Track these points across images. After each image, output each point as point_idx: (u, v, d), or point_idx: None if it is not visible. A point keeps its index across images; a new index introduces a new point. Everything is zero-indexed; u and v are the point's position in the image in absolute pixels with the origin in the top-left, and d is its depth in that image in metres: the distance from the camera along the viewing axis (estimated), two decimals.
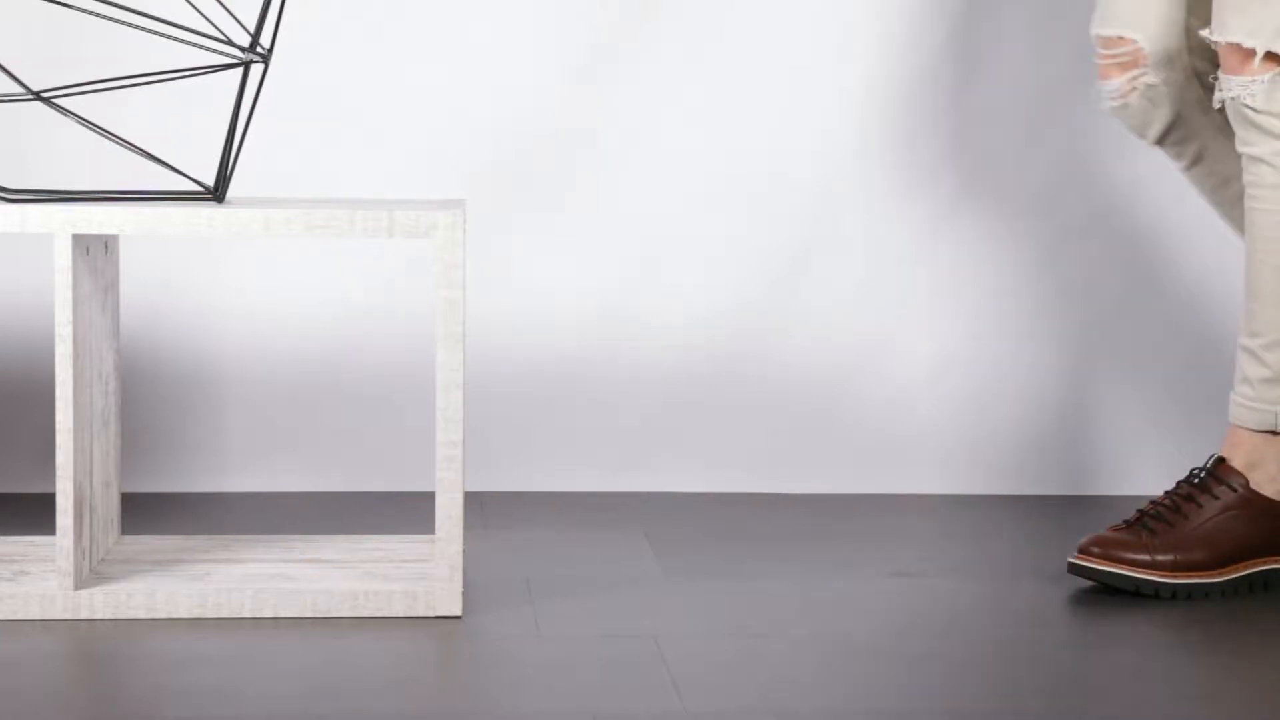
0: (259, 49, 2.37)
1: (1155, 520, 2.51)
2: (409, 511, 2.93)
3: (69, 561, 2.32)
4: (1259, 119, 2.48)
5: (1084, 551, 2.49)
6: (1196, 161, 2.65)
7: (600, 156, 3.13)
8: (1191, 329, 3.20)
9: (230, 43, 2.36)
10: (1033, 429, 3.17)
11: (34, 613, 2.32)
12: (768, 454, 2.96)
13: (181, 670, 2.13)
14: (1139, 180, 3.20)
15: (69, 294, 2.30)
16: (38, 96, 2.37)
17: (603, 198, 3.13)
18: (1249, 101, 2.47)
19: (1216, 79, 2.52)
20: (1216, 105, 2.52)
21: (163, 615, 2.33)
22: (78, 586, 2.34)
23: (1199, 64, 2.59)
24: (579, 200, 3.14)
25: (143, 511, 2.88)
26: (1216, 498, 2.52)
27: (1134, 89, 2.59)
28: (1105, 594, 2.49)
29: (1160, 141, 2.65)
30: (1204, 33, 2.50)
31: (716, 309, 3.02)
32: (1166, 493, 2.55)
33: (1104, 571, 2.48)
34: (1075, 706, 2.09)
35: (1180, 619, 2.41)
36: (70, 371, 2.30)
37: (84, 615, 2.32)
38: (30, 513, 2.87)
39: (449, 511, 2.35)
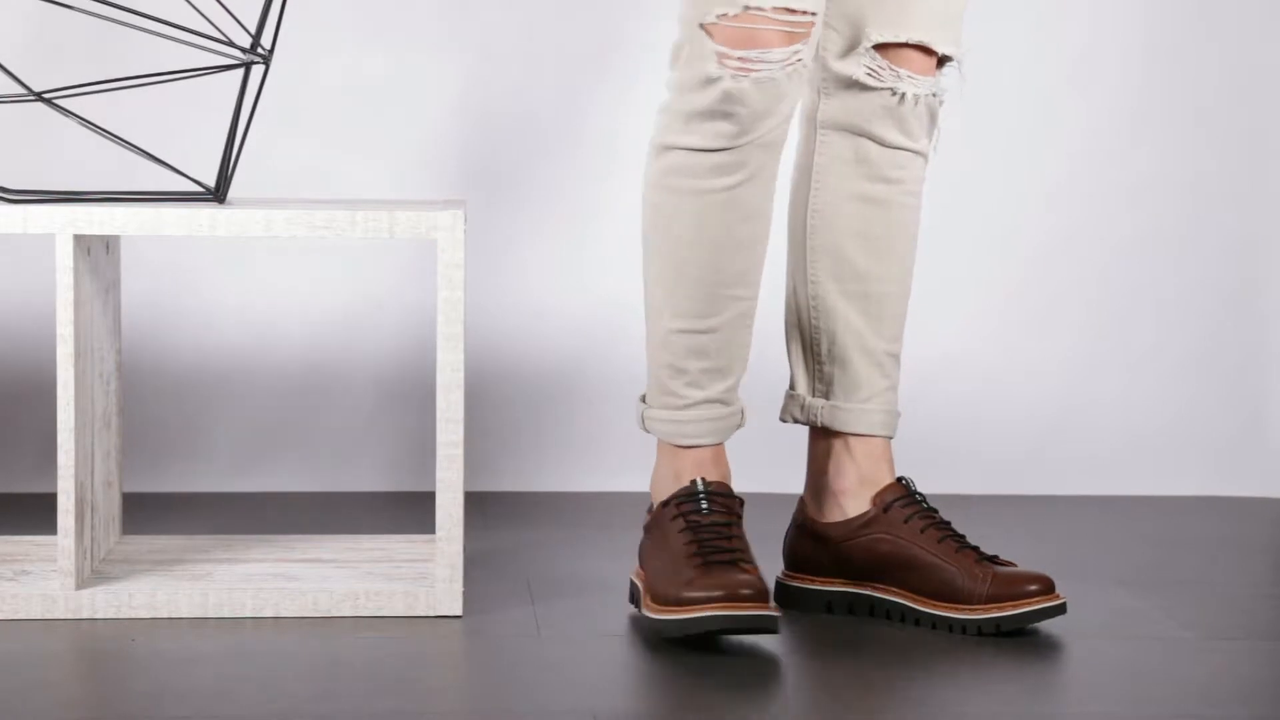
0: (260, 50, 2.37)
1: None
2: (409, 511, 2.93)
3: (70, 561, 2.32)
4: (941, 111, 2.40)
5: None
6: (753, 178, 2.29)
7: (600, 156, 3.13)
8: (1191, 329, 3.21)
9: (231, 43, 2.36)
10: (1033, 429, 3.17)
11: (35, 612, 2.32)
12: (767, 454, 2.95)
13: (182, 670, 2.13)
14: (1140, 180, 3.20)
15: (70, 294, 2.30)
16: (38, 97, 2.37)
17: (602, 198, 3.13)
18: (940, 94, 2.39)
19: (887, 74, 2.34)
20: (902, 101, 2.35)
21: (164, 615, 2.34)
22: (79, 586, 2.34)
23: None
24: (579, 200, 3.14)
25: (144, 511, 2.88)
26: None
27: (795, 63, 2.26)
28: (1095, 597, 2.50)
29: (771, 129, 2.29)
30: (885, 36, 2.34)
31: None
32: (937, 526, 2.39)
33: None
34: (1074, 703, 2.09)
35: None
36: (72, 371, 2.30)
37: (85, 615, 2.33)
38: (32, 512, 2.87)
39: (449, 511, 2.35)
